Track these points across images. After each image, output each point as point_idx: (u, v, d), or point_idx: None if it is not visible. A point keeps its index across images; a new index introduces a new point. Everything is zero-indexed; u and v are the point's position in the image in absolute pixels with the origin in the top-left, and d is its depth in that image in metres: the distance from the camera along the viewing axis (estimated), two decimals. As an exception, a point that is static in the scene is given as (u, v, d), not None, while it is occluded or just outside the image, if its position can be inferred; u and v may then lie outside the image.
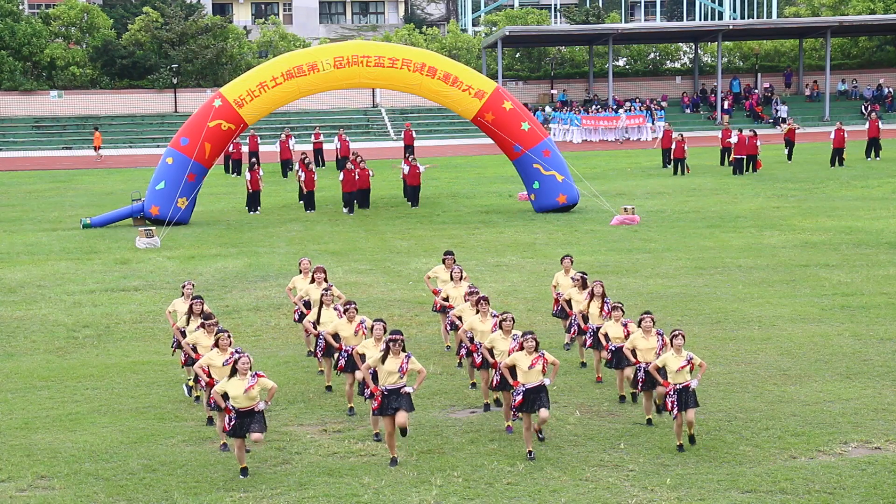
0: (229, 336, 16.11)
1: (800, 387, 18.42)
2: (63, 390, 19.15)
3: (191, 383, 18.24)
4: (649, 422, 16.61)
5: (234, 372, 14.85)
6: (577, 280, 19.85)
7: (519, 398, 15.32)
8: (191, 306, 18.09)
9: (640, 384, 16.65)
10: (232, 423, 14.74)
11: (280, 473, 14.90)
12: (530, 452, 15.31)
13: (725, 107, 71.89)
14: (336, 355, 17.72)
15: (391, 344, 15.15)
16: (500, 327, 16.48)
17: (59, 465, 15.40)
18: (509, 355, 15.77)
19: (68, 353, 21.71)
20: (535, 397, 15.26)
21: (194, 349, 17.18)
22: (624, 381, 17.66)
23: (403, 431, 15.19)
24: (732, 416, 16.96)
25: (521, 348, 15.48)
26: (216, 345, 16.11)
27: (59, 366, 20.72)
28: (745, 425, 16.56)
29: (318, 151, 54.50)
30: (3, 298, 26.45)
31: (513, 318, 16.55)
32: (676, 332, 15.75)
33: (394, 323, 22.01)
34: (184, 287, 19.18)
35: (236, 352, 15.31)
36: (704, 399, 17.20)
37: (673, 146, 50.08)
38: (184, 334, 18.10)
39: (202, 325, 17.16)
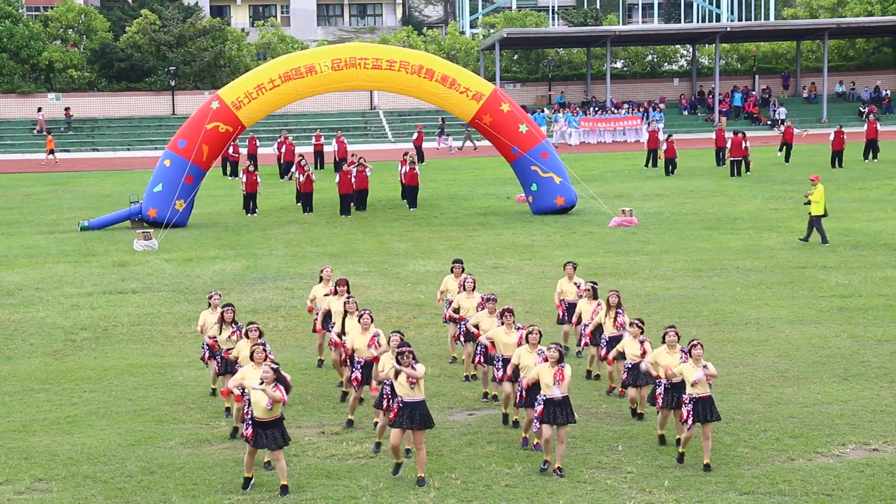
0: (265, 349, 15.43)
1: (798, 388, 18.43)
2: (61, 393, 19.14)
3: (227, 404, 17.83)
4: (662, 439, 16.07)
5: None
6: (588, 290, 19.50)
7: (540, 408, 14.94)
8: (222, 314, 17.80)
9: (658, 400, 15.97)
10: (252, 433, 14.46)
11: (278, 476, 14.87)
12: (546, 462, 14.95)
13: (724, 109, 71.97)
14: (350, 367, 17.41)
15: (400, 357, 14.75)
16: (527, 341, 16.08)
17: (57, 468, 15.39)
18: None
19: (66, 355, 21.71)
20: (558, 409, 14.89)
21: (236, 361, 16.72)
22: (638, 397, 17.25)
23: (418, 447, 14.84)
24: (730, 418, 16.96)
25: (546, 360, 15.18)
26: (251, 357, 15.52)
27: (56, 368, 20.72)
28: (742, 427, 16.56)
29: (318, 153, 54.54)
30: (0, 301, 26.44)
31: (539, 331, 16.08)
32: (696, 343, 15.19)
33: (392, 325, 21.99)
34: (211, 298, 18.61)
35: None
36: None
37: (664, 147, 50.21)
38: (217, 343, 17.93)
39: (247, 335, 16.59)
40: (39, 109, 68.71)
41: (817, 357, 20.25)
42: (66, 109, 68.99)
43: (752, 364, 19.93)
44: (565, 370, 15.00)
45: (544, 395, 14.95)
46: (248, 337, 16.51)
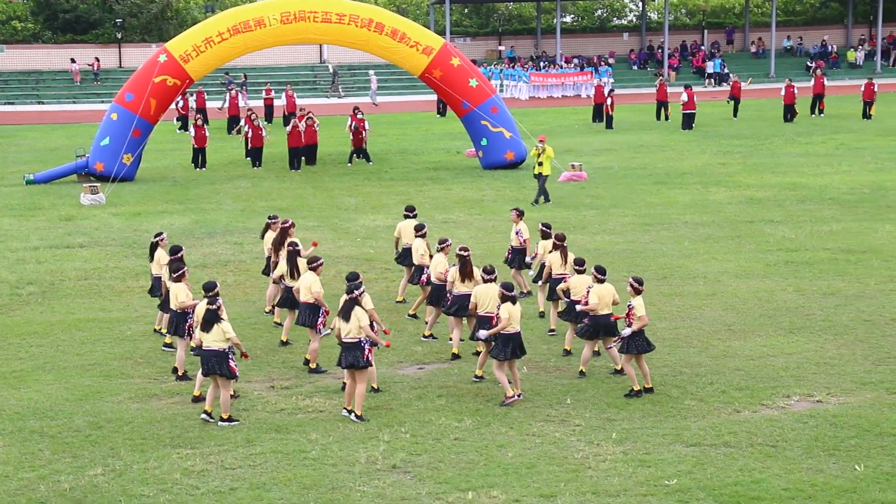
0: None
1: (744, 342, 18.63)
2: (7, 348, 18.99)
3: (168, 340, 18.43)
4: (582, 374, 17.02)
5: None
6: (542, 231, 20.37)
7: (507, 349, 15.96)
8: (170, 261, 18.13)
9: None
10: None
11: (227, 430, 14.88)
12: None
13: (673, 64, 72.08)
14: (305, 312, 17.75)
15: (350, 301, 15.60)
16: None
17: (4, 423, 15.29)
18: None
19: (12, 310, 21.51)
20: (513, 343, 15.90)
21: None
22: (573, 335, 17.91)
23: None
24: (678, 371, 17.13)
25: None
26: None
27: (2, 323, 20.53)
28: (689, 380, 16.73)
29: (268, 108, 54.19)
30: (-56, 256, 26.14)
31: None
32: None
33: (342, 280, 21.91)
34: (161, 239, 19.29)
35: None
36: (650, 355, 17.30)
37: (609, 101, 50.26)
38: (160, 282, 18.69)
39: (181, 276, 17.08)
40: (73, 60, 67.87)
41: (763, 310, 20.46)
42: (96, 60, 68.71)
43: (700, 318, 20.10)
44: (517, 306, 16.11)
45: (507, 331, 15.84)
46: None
